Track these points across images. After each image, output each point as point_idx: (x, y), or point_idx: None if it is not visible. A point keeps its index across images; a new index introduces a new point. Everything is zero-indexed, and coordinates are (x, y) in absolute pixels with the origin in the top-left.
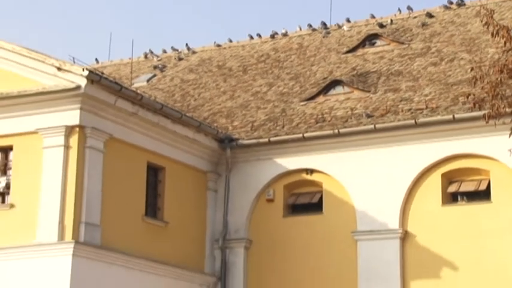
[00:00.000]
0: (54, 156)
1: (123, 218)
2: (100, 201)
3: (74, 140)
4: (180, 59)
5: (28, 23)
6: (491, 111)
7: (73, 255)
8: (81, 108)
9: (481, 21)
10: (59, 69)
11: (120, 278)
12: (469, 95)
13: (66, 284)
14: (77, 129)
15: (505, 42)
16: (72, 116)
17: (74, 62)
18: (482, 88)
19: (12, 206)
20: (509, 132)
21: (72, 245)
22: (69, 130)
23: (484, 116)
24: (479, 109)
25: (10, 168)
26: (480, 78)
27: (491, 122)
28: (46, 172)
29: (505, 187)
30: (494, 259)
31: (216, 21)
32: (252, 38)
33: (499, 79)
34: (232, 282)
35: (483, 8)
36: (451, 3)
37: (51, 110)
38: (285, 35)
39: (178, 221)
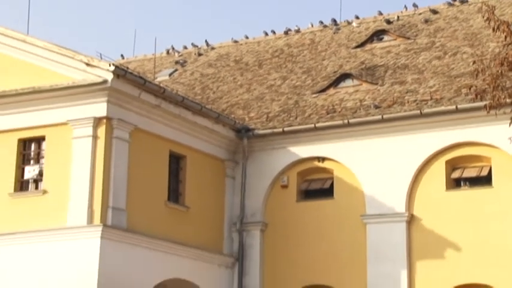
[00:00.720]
0: (83, 146)
1: (147, 203)
2: (126, 188)
3: (101, 131)
4: (200, 55)
5: (58, 21)
6: (492, 101)
7: (101, 237)
8: (108, 101)
9: (483, 17)
10: (88, 64)
11: (145, 259)
12: (471, 86)
13: (95, 264)
14: (104, 120)
15: (505, 37)
16: (99, 108)
17: (101, 57)
18: (484, 80)
19: (44, 192)
20: (509, 121)
21: (100, 228)
22: (97, 121)
23: (485, 107)
24: (481, 100)
25: (43, 157)
26: (482, 70)
27: (492, 112)
28: (76, 161)
29: (505, 173)
30: (496, 241)
31: (233, 19)
32: (266, 34)
33: (499, 71)
34: (249, 263)
35: (484, 4)
36: (454, 0)
37: (80, 102)
38: (297, 31)
39: (199, 205)
